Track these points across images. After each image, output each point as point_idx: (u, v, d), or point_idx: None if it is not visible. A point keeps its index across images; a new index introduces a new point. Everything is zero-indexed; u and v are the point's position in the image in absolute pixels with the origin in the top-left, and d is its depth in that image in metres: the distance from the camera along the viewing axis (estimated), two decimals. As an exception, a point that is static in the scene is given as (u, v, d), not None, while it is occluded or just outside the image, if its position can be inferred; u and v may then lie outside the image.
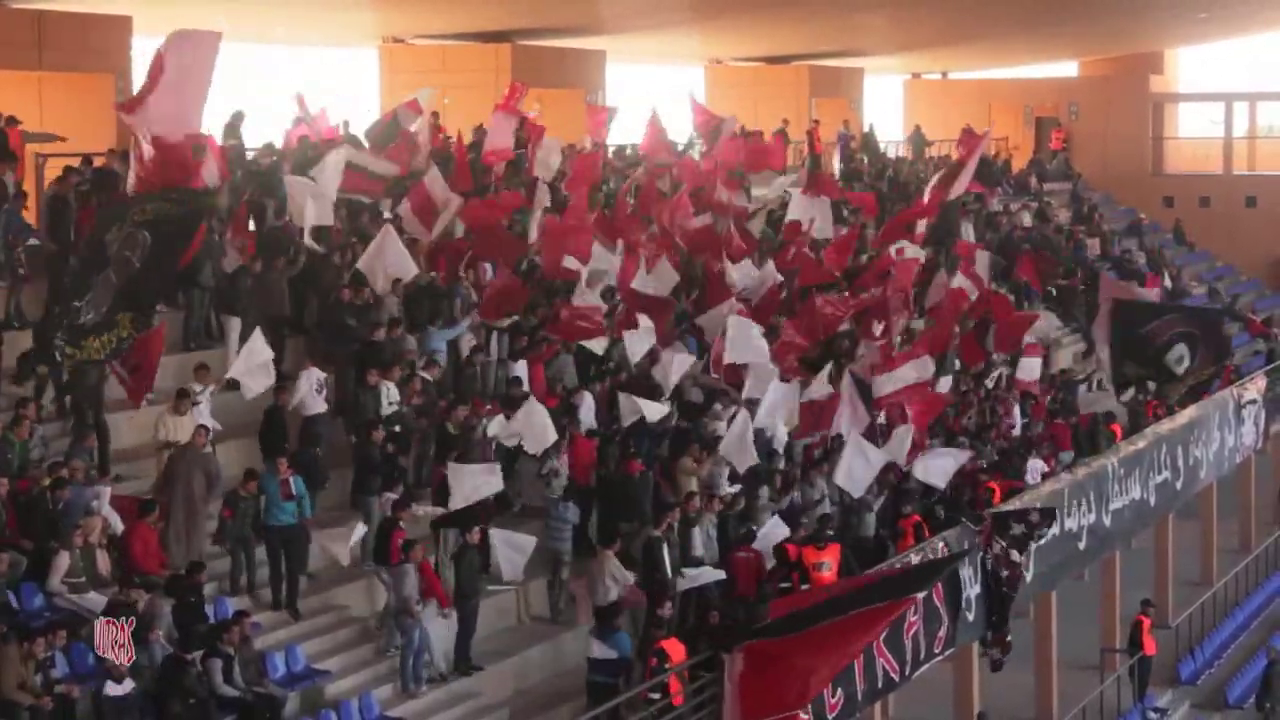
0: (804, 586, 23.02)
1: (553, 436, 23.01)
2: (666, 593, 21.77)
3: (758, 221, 35.18)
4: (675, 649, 20.40)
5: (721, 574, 22.80)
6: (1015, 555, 25.32)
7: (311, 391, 22.22)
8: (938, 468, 27.42)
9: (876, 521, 26.21)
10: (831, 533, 24.31)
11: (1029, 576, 25.92)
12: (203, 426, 20.18)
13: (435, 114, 33.97)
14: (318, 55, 45.78)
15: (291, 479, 20.20)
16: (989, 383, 33.80)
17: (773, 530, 24.02)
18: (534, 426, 22.92)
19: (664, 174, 34.22)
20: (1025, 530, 25.37)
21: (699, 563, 22.99)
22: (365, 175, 27.06)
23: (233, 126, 27.67)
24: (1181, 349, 35.24)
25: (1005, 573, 25.37)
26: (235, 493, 19.84)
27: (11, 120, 25.47)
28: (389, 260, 24.89)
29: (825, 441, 27.41)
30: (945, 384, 30.97)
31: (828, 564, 23.36)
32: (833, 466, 26.13)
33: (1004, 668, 26.13)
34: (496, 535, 21.33)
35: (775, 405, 26.26)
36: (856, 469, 25.92)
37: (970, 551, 24.88)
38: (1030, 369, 34.93)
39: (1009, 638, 25.80)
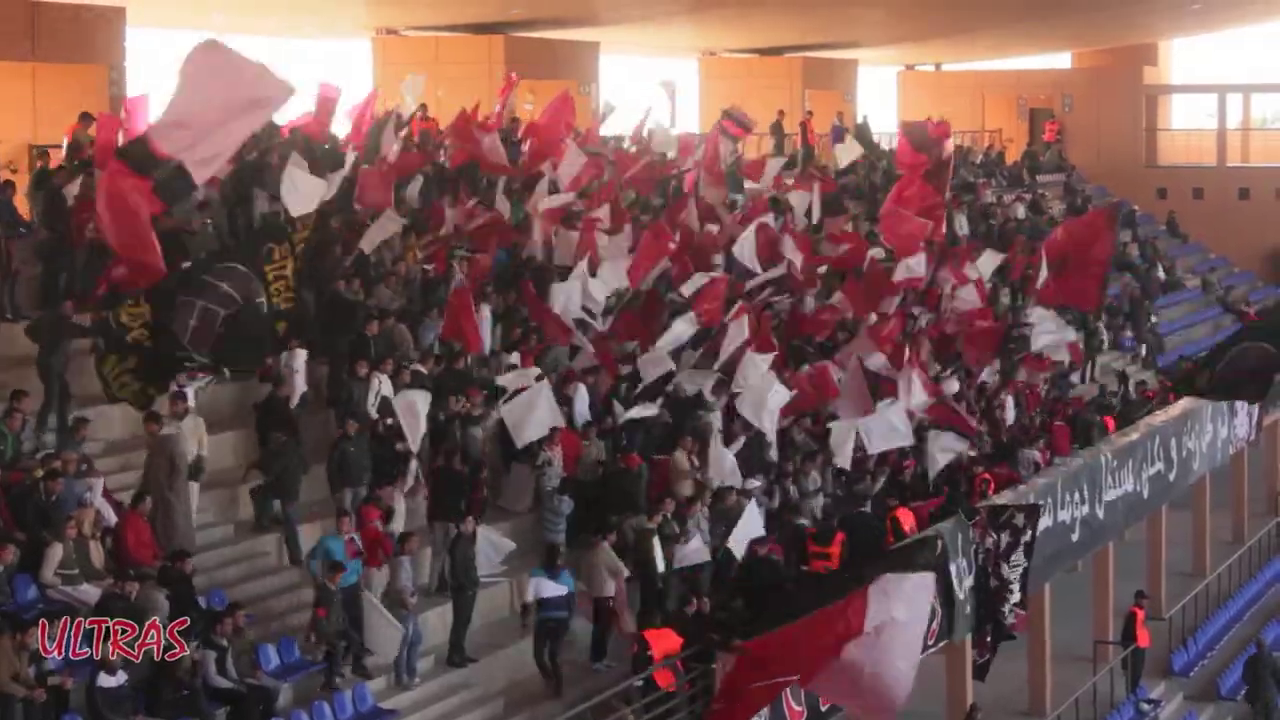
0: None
1: (552, 424, 23.06)
2: (656, 585, 21.77)
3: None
4: (668, 639, 20.40)
5: (708, 556, 22.77)
6: (1005, 569, 25.20)
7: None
8: (946, 444, 27.80)
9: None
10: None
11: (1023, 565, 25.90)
12: (155, 413, 19.76)
13: (423, 105, 33.98)
14: (311, 47, 45.77)
15: (354, 535, 19.78)
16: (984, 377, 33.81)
17: (750, 521, 23.99)
18: (535, 412, 22.95)
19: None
20: (1011, 538, 25.26)
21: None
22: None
23: None
24: None
25: (994, 583, 25.31)
26: (324, 587, 19.07)
27: (85, 116, 25.22)
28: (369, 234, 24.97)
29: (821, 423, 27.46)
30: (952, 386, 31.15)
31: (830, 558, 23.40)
32: (827, 455, 26.22)
33: (986, 675, 26.03)
34: (481, 531, 21.26)
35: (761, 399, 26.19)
36: (845, 442, 26.19)
37: (964, 544, 24.87)
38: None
39: (989, 638, 25.72)
